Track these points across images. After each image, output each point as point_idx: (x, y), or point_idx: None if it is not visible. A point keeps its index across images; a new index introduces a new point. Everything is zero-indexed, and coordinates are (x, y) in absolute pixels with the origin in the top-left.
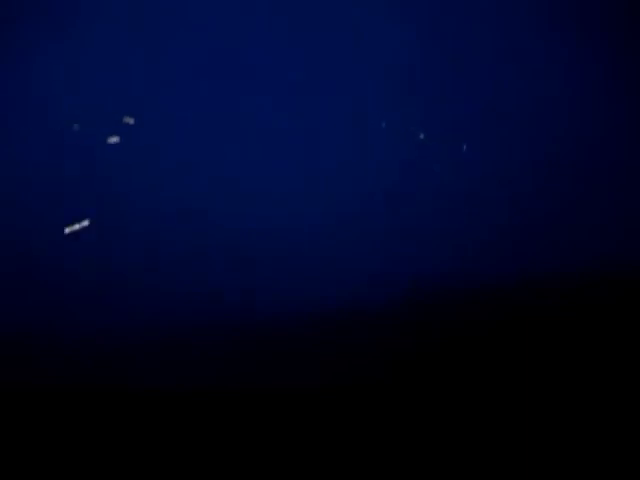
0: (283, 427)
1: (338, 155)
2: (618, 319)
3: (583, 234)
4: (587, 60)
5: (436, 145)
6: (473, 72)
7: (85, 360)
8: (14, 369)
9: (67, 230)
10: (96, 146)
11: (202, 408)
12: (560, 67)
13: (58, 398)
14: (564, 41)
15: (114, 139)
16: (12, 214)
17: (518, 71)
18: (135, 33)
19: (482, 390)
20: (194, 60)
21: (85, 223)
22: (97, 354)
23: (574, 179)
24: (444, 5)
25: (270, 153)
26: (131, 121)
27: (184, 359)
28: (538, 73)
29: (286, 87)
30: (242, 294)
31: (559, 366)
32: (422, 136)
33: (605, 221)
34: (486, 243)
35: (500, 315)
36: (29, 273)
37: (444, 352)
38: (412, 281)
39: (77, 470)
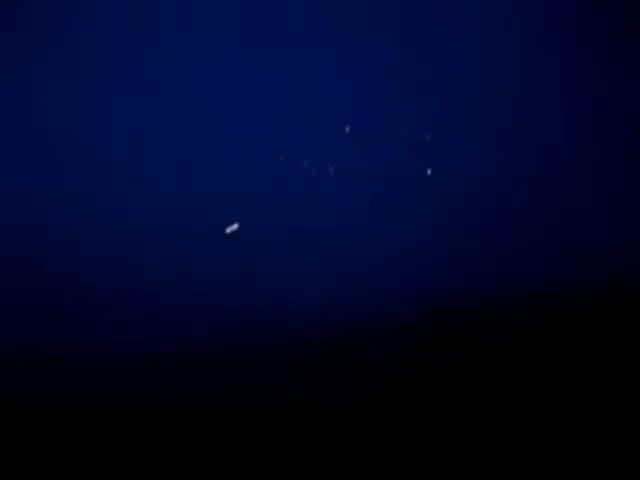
0: (290, 442)
1: (370, 165)
2: None
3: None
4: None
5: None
6: (500, 80)
7: (84, 374)
8: (12, 382)
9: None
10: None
11: (203, 422)
12: (569, 76)
13: (55, 412)
14: (564, 42)
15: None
16: (11, 222)
17: (535, 85)
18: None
19: (500, 403)
20: (193, 63)
21: (235, 227)
22: (95, 368)
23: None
24: (443, 5)
25: (277, 162)
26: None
27: (185, 373)
28: (555, 86)
29: (288, 87)
30: (246, 305)
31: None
32: (435, 148)
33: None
34: (494, 258)
35: (514, 328)
36: (27, 289)
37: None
38: (422, 296)
39: None
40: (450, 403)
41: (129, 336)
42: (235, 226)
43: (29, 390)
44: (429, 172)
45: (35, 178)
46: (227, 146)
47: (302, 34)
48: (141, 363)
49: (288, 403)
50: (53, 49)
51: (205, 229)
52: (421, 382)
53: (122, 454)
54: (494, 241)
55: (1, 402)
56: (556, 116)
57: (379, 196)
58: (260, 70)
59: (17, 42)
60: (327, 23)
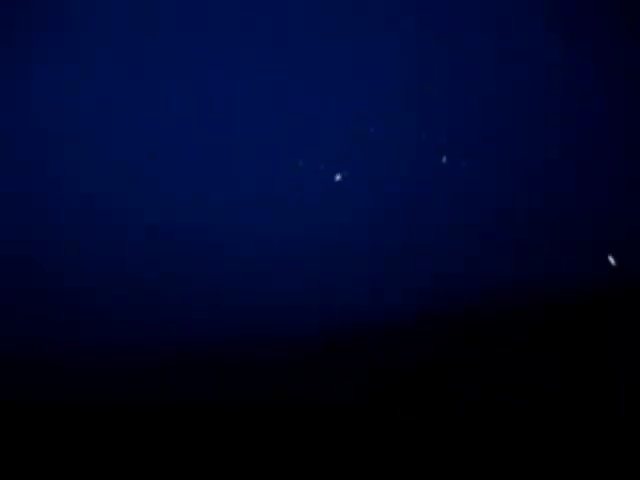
0: (290, 442)
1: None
2: None
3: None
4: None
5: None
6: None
7: (84, 374)
8: (12, 382)
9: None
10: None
11: (203, 422)
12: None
13: (55, 412)
14: (566, 41)
15: None
16: (9, 225)
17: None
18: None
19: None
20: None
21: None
22: (95, 368)
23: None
24: (442, 7)
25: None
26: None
27: (185, 373)
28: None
29: (288, 87)
30: (246, 305)
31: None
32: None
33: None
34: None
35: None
36: (27, 289)
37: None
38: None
39: None
40: (451, 403)
41: (129, 336)
42: (338, 177)
43: (29, 390)
44: (444, 159)
45: (35, 178)
46: (230, 146)
47: (310, 32)
48: (141, 363)
49: (288, 403)
50: (53, 49)
51: (206, 229)
52: (421, 382)
53: (122, 454)
54: (508, 241)
55: (1, 402)
56: None
57: (389, 196)
58: (269, 70)
59: (17, 41)
60: (342, 21)
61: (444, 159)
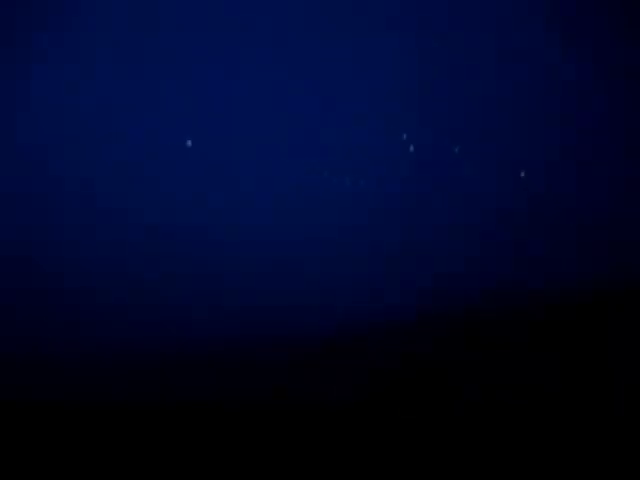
0: (290, 442)
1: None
2: None
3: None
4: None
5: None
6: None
7: (84, 374)
8: (12, 382)
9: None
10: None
11: (203, 422)
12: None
13: (55, 412)
14: (570, 42)
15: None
16: (9, 225)
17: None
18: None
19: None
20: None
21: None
22: (95, 368)
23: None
24: (442, 8)
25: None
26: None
27: (185, 373)
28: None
29: (288, 88)
30: (246, 305)
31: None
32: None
33: None
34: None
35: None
36: (27, 289)
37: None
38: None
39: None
40: (451, 403)
41: (129, 336)
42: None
43: (29, 390)
44: (444, 159)
45: (35, 178)
46: (230, 147)
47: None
48: (141, 363)
49: (288, 403)
50: (53, 49)
51: (206, 229)
52: (421, 382)
53: (122, 454)
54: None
55: (1, 402)
56: None
57: (389, 196)
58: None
59: (17, 41)
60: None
61: (444, 159)
